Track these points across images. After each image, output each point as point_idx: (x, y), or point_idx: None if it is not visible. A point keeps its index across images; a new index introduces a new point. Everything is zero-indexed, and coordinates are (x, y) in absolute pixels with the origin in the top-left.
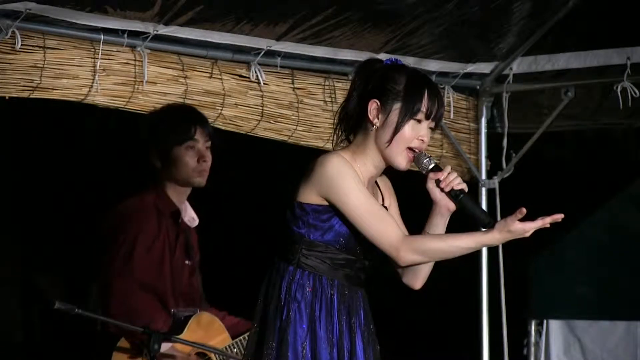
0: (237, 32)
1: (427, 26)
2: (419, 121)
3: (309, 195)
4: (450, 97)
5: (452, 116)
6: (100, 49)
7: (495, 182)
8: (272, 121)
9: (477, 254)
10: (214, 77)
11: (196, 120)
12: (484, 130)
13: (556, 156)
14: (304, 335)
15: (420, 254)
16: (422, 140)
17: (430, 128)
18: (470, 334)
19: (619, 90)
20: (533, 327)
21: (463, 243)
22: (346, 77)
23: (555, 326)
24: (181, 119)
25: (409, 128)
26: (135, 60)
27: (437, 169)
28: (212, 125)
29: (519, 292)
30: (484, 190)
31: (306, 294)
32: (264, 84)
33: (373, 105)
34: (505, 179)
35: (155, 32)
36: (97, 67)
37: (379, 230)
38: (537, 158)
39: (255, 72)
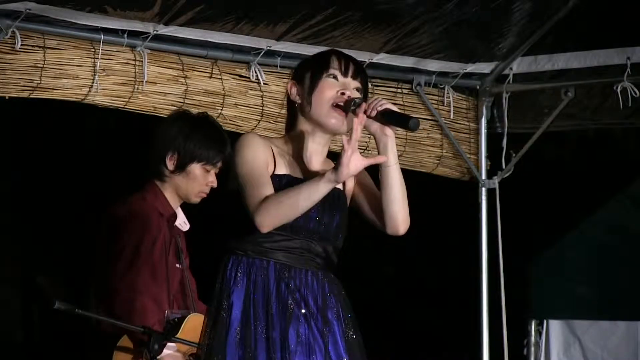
0: (237, 32)
1: (427, 26)
2: (335, 77)
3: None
4: (450, 97)
5: (452, 116)
6: (100, 49)
7: (495, 182)
8: (272, 121)
9: (477, 254)
10: (214, 77)
11: (225, 149)
12: (484, 130)
13: (556, 156)
14: (240, 319)
15: (270, 213)
16: (344, 94)
17: (357, 89)
18: (470, 334)
19: (619, 90)
20: (533, 327)
21: (305, 188)
22: None
23: (555, 326)
24: (216, 143)
25: (326, 85)
26: (135, 60)
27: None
28: None
29: (519, 292)
30: (484, 190)
31: (239, 279)
32: (264, 84)
33: (291, 87)
34: (505, 179)
35: (155, 32)
36: (97, 67)
37: (249, 197)
38: (537, 158)
39: (255, 72)
